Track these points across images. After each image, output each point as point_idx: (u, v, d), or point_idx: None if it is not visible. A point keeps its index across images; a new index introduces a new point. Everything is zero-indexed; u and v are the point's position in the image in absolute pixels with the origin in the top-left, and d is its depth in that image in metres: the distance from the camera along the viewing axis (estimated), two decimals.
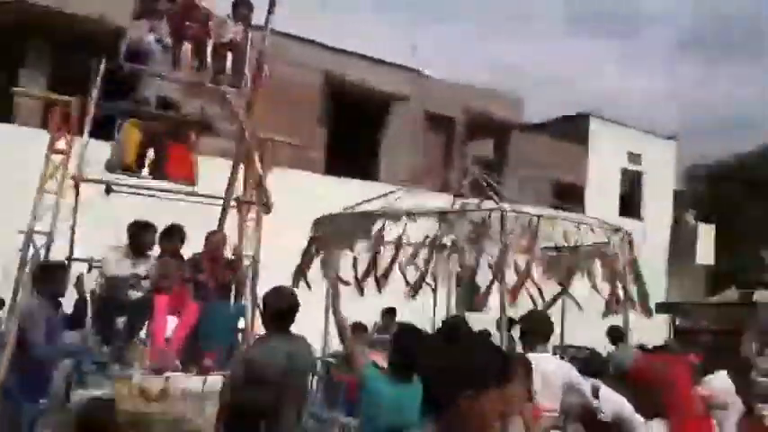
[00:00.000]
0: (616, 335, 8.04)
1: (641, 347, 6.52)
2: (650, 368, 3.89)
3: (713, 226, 23.18)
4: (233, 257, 6.20)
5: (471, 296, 8.80)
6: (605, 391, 4.07)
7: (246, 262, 6.05)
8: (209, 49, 6.42)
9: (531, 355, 4.08)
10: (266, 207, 6.30)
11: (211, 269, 5.90)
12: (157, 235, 5.95)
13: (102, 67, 5.94)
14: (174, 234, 6.05)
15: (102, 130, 6.16)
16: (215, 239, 6.08)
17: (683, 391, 2.87)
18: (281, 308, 4.09)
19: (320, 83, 16.27)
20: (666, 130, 24.35)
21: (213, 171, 6.62)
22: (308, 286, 7.48)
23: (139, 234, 5.81)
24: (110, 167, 6.22)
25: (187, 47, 6.35)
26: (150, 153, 6.48)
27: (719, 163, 34.15)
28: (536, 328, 4.42)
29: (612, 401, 3.98)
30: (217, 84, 6.49)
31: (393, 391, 3.63)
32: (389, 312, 9.24)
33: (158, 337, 5.11)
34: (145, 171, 6.45)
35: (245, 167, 6.59)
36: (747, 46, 72.63)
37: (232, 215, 6.60)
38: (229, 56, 6.55)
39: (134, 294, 5.50)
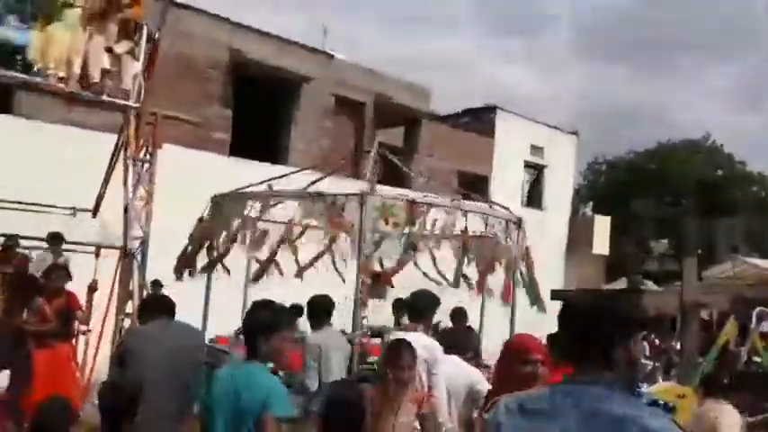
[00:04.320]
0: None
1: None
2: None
3: (609, 218, 24.29)
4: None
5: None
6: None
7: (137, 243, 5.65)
8: None
9: (397, 333, 4.12)
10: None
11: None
12: None
13: None
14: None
15: None
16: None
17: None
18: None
19: (225, 61, 15.65)
20: (568, 126, 25.25)
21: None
22: (190, 274, 7.08)
23: None
24: None
25: None
26: None
27: (616, 159, 36.02)
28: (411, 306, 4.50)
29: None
30: None
31: None
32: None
33: None
34: None
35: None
36: (644, 48, 76.77)
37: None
38: None
39: None
